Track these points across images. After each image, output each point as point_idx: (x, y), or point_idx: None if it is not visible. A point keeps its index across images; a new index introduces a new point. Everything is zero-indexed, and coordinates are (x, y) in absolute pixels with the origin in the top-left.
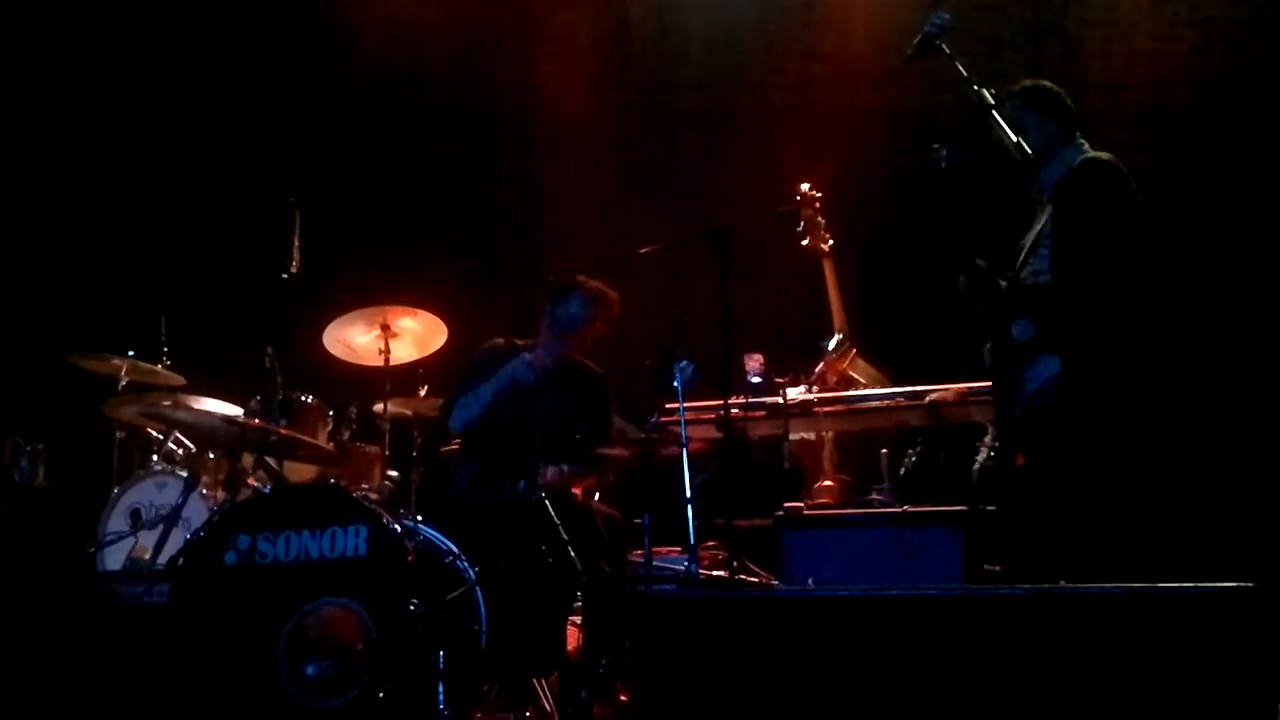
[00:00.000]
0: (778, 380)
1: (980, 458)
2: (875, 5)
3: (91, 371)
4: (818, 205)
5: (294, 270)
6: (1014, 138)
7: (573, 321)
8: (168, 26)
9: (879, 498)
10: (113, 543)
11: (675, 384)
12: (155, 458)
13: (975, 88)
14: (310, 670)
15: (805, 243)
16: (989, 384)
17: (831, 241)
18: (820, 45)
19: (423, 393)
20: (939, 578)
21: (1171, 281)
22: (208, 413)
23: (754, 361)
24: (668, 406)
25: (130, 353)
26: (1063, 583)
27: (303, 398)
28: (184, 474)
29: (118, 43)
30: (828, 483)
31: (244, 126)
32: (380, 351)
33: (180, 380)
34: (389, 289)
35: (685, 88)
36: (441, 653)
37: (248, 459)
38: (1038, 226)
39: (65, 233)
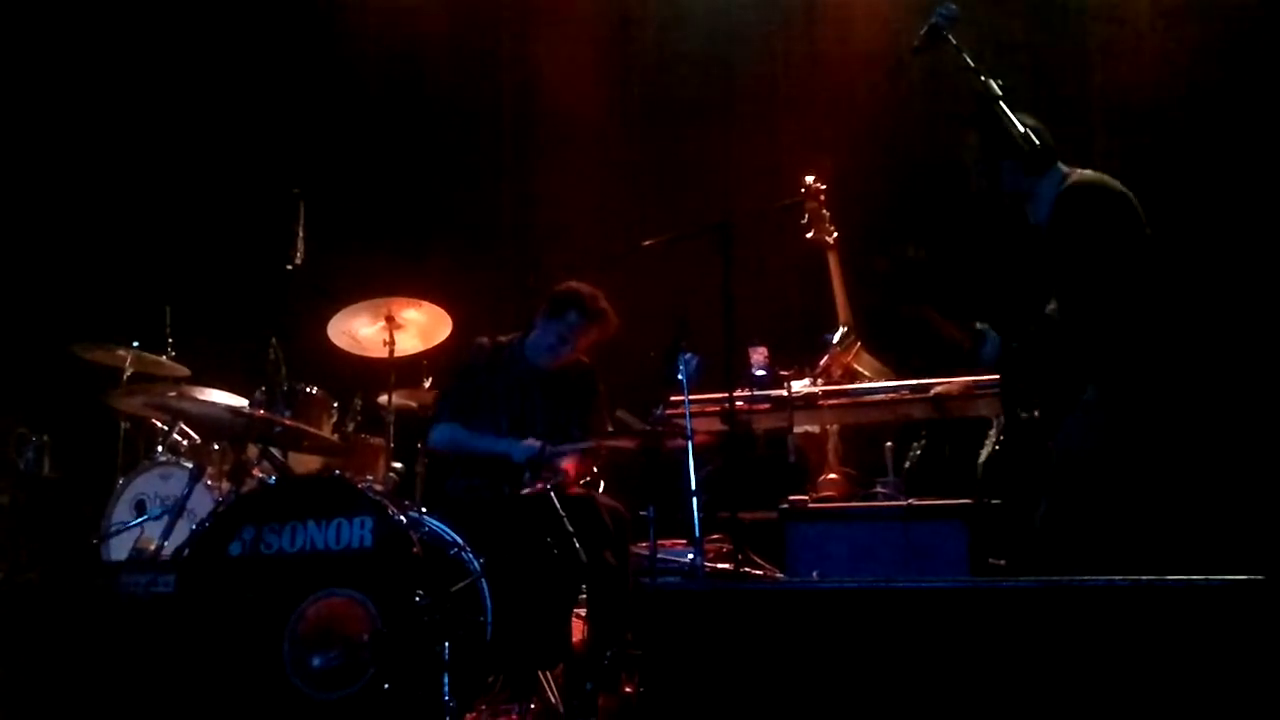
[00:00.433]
0: (782, 373)
1: (985, 451)
2: None
3: (96, 362)
4: (822, 198)
5: (298, 261)
6: (1021, 128)
7: (566, 334)
8: (171, 18)
9: (884, 491)
10: (118, 533)
11: (680, 377)
12: (160, 448)
13: (982, 78)
14: (316, 661)
15: (810, 235)
16: (994, 377)
17: (836, 234)
18: (824, 37)
19: (427, 384)
20: (944, 571)
21: (1180, 296)
22: (213, 404)
23: (758, 354)
24: (672, 399)
25: (135, 343)
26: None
27: (307, 389)
28: (189, 465)
29: (122, 35)
30: (832, 476)
31: (249, 117)
32: (385, 343)
33: (185, 371)
34: (394, 280)
35: (688, 80)
36: (447, 644)
37: (252, 450)
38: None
39: (70, 223)
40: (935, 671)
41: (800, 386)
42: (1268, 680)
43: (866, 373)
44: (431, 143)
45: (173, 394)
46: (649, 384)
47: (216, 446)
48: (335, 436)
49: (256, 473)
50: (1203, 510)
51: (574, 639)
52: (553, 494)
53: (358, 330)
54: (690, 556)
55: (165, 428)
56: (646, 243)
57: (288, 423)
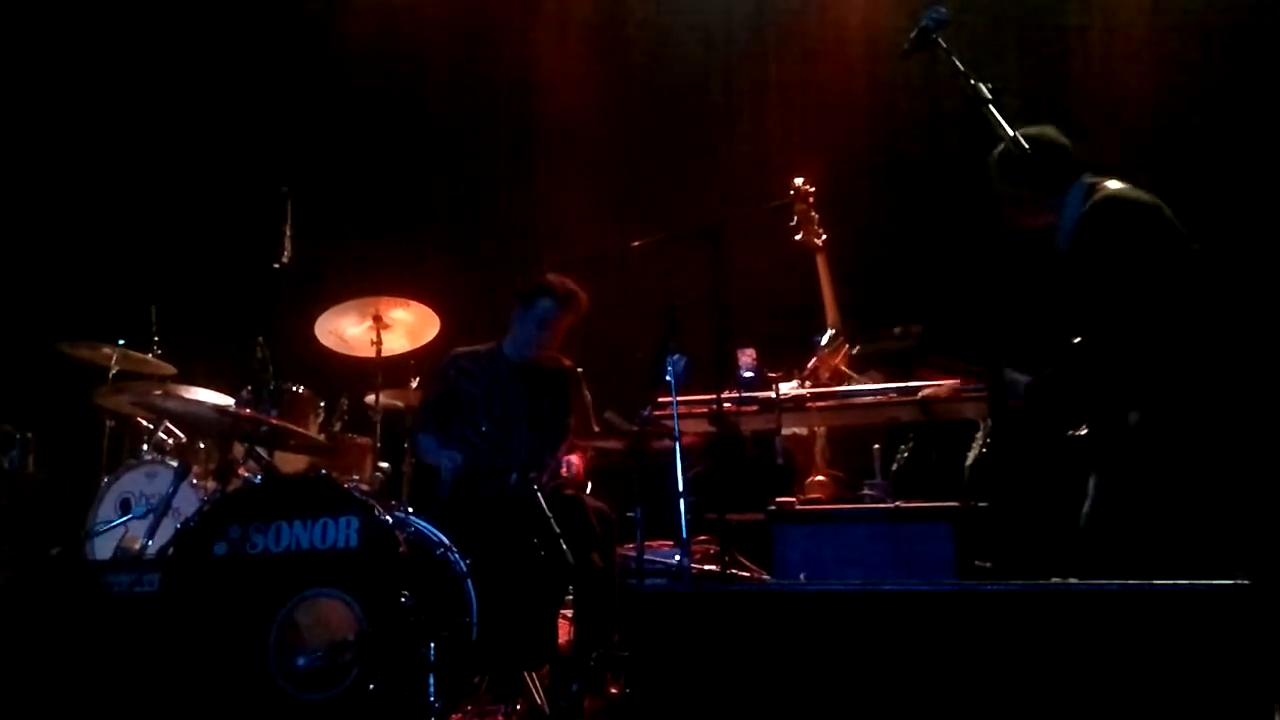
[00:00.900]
0: (770, 375)
1: (972, 454)
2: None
3: (82, 360)
4: (811, 200)
5: (286, 260)
6: (1011, 131)
7: (543, 320)
8: (159, 17)
9: (871, 493)
10: (103, 532)
11: (668, 378)
12: (146, 447)
13: (972, 82)
14: (301, 661)
15: (798, 238)
16: (982, 380)
17: (825, 236)
18: (815, 39)
19: (414, 384)
20: (931, 573)
21: (1230, 308)
22: (198, 402)
23: (747, 356)
24: (660, 400)
25: (121, 341)
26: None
27: (294, 388)
28: (174, 464)
29: (109, 33)
30: (820, 478)
31: (236, 115)
32: (372, 343)
33: (171, 369)
34: (381, 280)
35: (679, 82)
36: (432, 644)
37: (238, 449)
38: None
39: (56, 221)
40: (922, 674)
41: (788, 388)
42: (1253, 685)
43: (854, 375)
44: (419, 141)
45: (158, 392)
46: (637, 385)
47: (202, 445)
48: (322, 436)
49: (242, 472)
50: (1252, 529)
51: (560, 640)
52: (539, 495)
53: (345, 330)
54: (677, 558)
55: (151, 426)
56: (635, 243)
57: (274, 422)
